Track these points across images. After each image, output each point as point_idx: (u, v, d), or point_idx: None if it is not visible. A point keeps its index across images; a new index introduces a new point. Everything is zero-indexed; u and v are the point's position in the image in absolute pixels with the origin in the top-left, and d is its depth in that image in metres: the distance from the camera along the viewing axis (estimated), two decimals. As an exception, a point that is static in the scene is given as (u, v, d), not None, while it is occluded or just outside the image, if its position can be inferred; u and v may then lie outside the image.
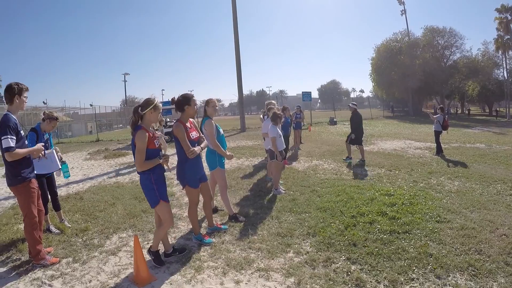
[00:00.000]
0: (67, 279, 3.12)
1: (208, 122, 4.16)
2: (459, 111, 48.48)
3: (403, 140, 13.78)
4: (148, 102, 3.09)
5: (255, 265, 3.21)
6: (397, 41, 40.18)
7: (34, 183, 3.37)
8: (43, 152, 3.68)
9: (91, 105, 26.41)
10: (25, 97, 3.24)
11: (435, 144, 9.80)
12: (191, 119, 3.69)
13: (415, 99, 41.61)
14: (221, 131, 4.40)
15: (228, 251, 3.53)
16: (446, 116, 9.81)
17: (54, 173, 4.37)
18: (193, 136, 3.55)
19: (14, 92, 3.13)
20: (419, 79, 36.16)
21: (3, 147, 3.00)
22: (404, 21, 45.72)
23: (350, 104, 9.15)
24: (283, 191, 5.71)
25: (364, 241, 3.59)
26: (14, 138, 3.05)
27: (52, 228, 4.30)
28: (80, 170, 9.57)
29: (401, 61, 37.27)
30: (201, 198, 3.88)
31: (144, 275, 2.95)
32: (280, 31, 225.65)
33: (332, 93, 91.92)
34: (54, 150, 4.18)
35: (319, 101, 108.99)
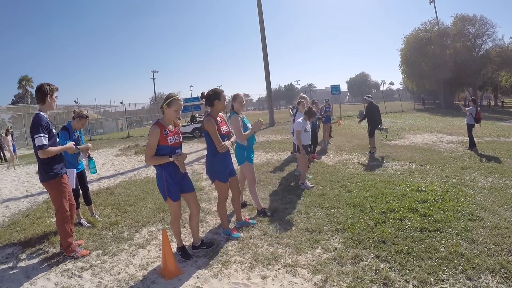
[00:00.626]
0: (96, 271, 3.22)
1: (234, 117, 4.15)
2: (492, 103, 45.33)
3: (435, 133, 13.12)
4: (166, 97, 3.10)
5: (282, 260, 3.15)
6: (426, 31, 38.21)
7: (66, 179, 3.50)
8: (81, 156, 3.95)
9: (121, 102, 27.49)
10: (55, 97, 3.37)
11: (468, 138, 9.34)
12: (220, 114, 3.69)
13: (447, 91, 39.50)
14: (249, 125, 4.35)
15: (255, 246, 3.49)
16: (479, 109, 9.40)
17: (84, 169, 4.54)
18: (223, 130, 3.55)
19: (45, 92, 3.25)
20: (450, 69, 34.27)
21: (36, 145, 3.12)
22: (432, 9, 43.31)
23: (366, 97, 9.40)
24: (310, 186, 5.60)
25: (393, 239, 3.42)
26: (47, 136, 3.17)
27: (84, 221, 4.47)
28: (111, 166, 9.95)
29: (431, 52, 35.45)
30: (230, 192, 3.89)
31: (172, 268, 2.98)
32: (307, 26, 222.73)
33: (362, 86, 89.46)
34: (73, 170, 4.23)
35: (348, 94, 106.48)
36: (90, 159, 4.38)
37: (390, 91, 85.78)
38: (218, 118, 3.58)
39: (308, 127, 5.71)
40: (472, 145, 9.06)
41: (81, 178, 4.52)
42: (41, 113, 3.27)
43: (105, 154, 13.10)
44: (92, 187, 6.98)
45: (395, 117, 22.85)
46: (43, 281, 3.11)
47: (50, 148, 3.20)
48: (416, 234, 3.51)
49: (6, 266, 3.48)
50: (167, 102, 3.04)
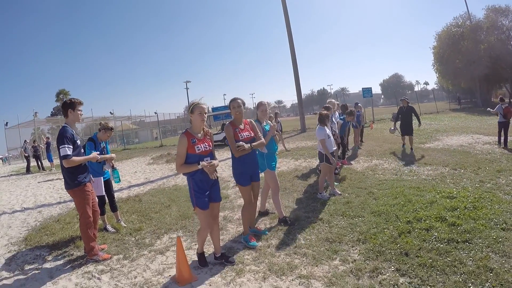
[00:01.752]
0: (115, 274, 3.37)
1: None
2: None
3: (471, 134, 12.24)
4: (189, 106, 3.16)
5: (297, 271, 3.07)
6: (458, 26, 36.10)
7: (89, 187, 3.70)
8: (91, 177, 4.07)
9: (155, 113, 28.48)
10: (79, 110, 3.59)
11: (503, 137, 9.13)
12: (248, 120, 3.80)
13: (483, 88, 36.85)
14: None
15: (272, 256, 3.44)
16: (506, 105, 9.28)
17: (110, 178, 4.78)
18: (242, 137, 3.60)
19: (67, 106, 3.51)
20: (486, 65, 31.96)
21: (61, 155, 3.36)
22: (463, 3, 40.89)
23: (405, 98, 9.93)
24: (338, 193, 5.45)
25: (417, 251, 3.20)
26: (71, 147, 3.40)
27: (109, 227, 4.69)
28: (142, 174, 10.35)
29: (464, 47, 33.36)
30: None
31: (186, 275, 3.02)
32: (338, 30, 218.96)
33: (395, 87, 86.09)
34: (101, 178, 4.53)
35: (382, 96, 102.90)
36: (114, 169, 4.58)
37: (425, 92, 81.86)
38: (242, 126, 3.68)
39: (328, 132, 5.52)
40: (499, 142, 9.15)
41: (107, 186, 4.75)
42: (67, 126, 3.51)
43: (137, 163, 13.66)
44: (122, 194, 7.30)
45: (429, 118, 21.65)
46: (64, 281, 3.32)
47: (74, 158, 3.41)
48: (442, 245, 3.27)
49: (32, 266, 3.78)
50: (190, 109, 3.12)
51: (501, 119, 9.18)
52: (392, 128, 10.07)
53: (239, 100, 3.66)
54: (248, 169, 3.69)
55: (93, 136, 4.61)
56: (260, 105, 4.30)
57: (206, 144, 3.13)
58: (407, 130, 9.41)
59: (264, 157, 4.27)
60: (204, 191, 3.12)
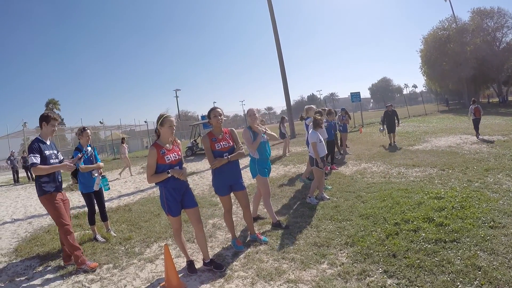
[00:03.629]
0: (105, 283, 3.36)
1: (244, 132, 4.30)
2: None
3: (459, 135, 12.52)
4: (158, 118, 3.22)
5: (285, 276, 3.08)
6: (444, 29, 37.05)
7: (59, 196, 3.75)
8: (94, 172, 4.38)
9: (145, 121, 28.41)
10: (53, 126, 3.71)
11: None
12: (228, 129, 3.82)
13: (471, 89, 37.69)
14: (265, 137, 4.37)
15: (260, 261, 3.45)
16: (476, 106, 11.81)
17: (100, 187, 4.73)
18: (218, 147, 3.62)
19: (42, 119, 3.66)
20: (472, 67, 32.85)
21: (29, 163, 3.54)
22: (448, 6, 41.87)
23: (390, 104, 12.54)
24: (327, 198, 5.50)
25: (405, 252, 3.25)
26: (38, 156, 3.50)
27: (99, 237, 4.66)
28: (132, 184, 10.27)
29: (451, 50, 34.25)
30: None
31: (174, 282, 3.01)
32: (324, 35, 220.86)
33: (384, 91, 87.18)
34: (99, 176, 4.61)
35: (372, 101, 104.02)
36: (102, 177, 4.58)
37: (414, 95, 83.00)
38: (220, 136, 3.69)
39: (320, 137, 5.59)
40: (477, 136, 11.34)
41: (98, 196, 4.73)
42: (39, 137, 3.67)
43: (127, 172, 13.52)
44: (112, 204, 7.23)
45: (418, 120, 22.01)
46: None
47: (40, 166, 3.49)
48: (430, 246, 3.32)
49: (23, 277, 3.74)
50: (159, 122, 3.18)
51: (474, 117, 11.70)
52: (381, 128, 12.22)
53: (218, 109, 3.68)
54: (226, 180, 3.71)
55: (78, 145, 4.63)
56: (248, 111, 4.36)
57: (175, 153, 3.24)
58: (391, 128, 11.75)
59: (255, 163, 4.31)
60: (176, 198, 3.22)
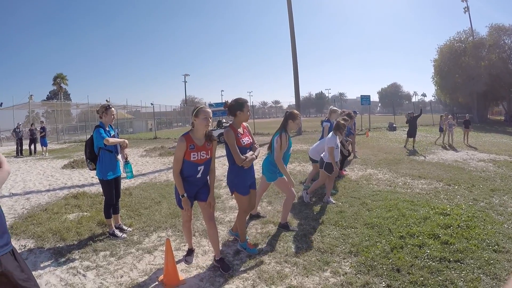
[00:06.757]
0: (101, 272, 3.27)
1: (283, 136, 3.96)
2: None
3: (466, 150, 12.35)
4: (193, 110, 3.05)
5: (287, 281, 3.01)
6: (461, 41, 36.47)
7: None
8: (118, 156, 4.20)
9: (151, 104, 28.19)
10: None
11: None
12: (244, 124, 3.58)
13: (481, 105, 37.31)
14: (291, 148, 4.16)
15: (262, 263, 3.38)
16: (448, 121, 14.14)
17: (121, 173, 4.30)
18: (243, 143, 3.41)
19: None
20: (485, 82, 32.41)
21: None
22: (464, 18, 41.08)
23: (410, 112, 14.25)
24: (332, 202, 5.40)
25: (409, 267, 3.17)
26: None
27: (117, 232, 4.20)
28: (134, 166, 10.15)
29: (465, 63, 33.72)
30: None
31: (173, 278, 2.95)
32: (340, 35, 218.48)
33: (393, 97, 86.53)
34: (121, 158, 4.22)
35: (379, 104, 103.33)
36: (127, 162, 4.21)
37: (422, 103, 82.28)
38: (240, 129, 3.47)
39: (338, 142, 5.43)
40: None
41: (116, 184, 4.24)
42: (101, 123, 4.11)
43: (130, 154, 13.32)
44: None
45: (425, 130, 21.80)
46: (48, 275, 3.22)
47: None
48: (434, 264, 3.24)
49: None
50: (194, 112, 2.99)
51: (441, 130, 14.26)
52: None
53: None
54: (247, 179, 3.51)
55: (100, 123, 4.14)
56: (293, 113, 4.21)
57: (204, 152, 3.01)
58: (412, 133, 12.85)
59: (276, 166, 3.99)
60: (190, 193, 3.08)
